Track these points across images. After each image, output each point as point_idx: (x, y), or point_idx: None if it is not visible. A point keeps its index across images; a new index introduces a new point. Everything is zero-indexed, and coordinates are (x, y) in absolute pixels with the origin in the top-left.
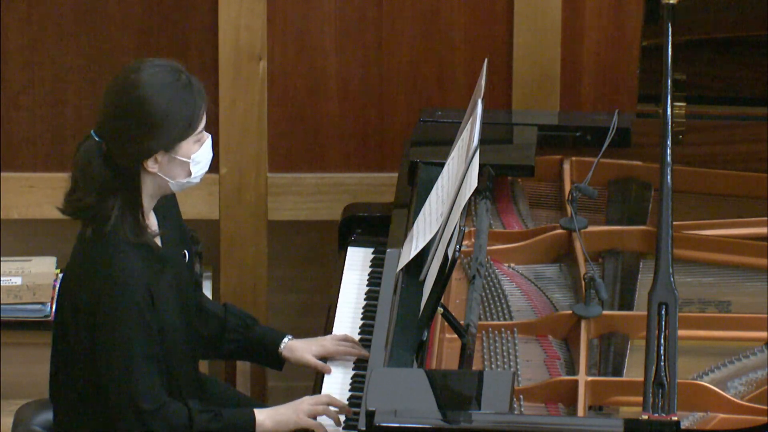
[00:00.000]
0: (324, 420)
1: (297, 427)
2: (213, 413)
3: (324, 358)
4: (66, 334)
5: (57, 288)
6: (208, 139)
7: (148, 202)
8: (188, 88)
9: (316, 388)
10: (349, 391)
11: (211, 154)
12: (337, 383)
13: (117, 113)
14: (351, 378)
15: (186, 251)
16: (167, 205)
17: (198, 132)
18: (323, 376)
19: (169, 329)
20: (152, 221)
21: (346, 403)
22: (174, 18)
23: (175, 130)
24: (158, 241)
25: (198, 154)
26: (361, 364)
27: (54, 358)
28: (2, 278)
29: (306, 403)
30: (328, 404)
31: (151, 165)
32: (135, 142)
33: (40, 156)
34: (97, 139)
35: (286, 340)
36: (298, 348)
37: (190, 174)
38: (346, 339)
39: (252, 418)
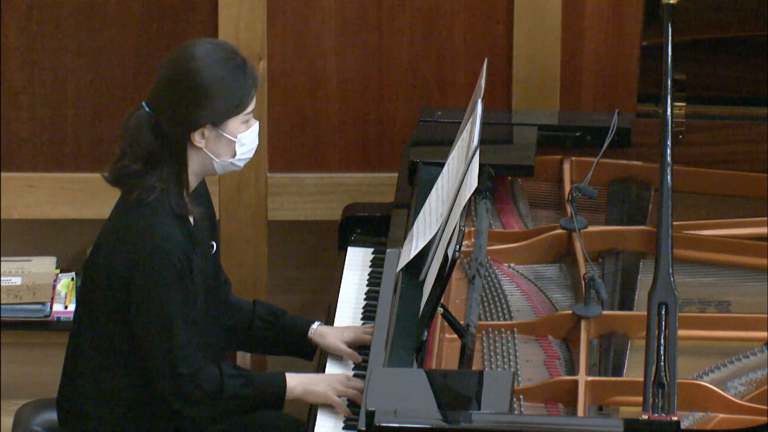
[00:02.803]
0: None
1: (325, 401)
2: (245, 378)
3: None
4: (94, 300)
5: (88, 253)
6: (255, 124)
7: (192, 180)
8: (241, 68)
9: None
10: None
11: (257, 141)
12: None
13: (169, 83)
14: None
15: (214, 243)
16: (201, 194)
17: (246, 113)
18: (325, 370)
19: (198, 310)
20: (190, 203)
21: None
22: (174, 18)
23: (223, 105)
24: (191, 221)
25: (244, 135)
26: (361, 364)
27: (77, 330)
28: (2, 278)
29: (340, 381)
30: (363, 388)
31: (198, 139)
32: (184, 112)
33: (40, 156)
34: (147, 110)
35: (315, 325)
36: (329, 334)
37: (234, 154)
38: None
39: (283, 384)
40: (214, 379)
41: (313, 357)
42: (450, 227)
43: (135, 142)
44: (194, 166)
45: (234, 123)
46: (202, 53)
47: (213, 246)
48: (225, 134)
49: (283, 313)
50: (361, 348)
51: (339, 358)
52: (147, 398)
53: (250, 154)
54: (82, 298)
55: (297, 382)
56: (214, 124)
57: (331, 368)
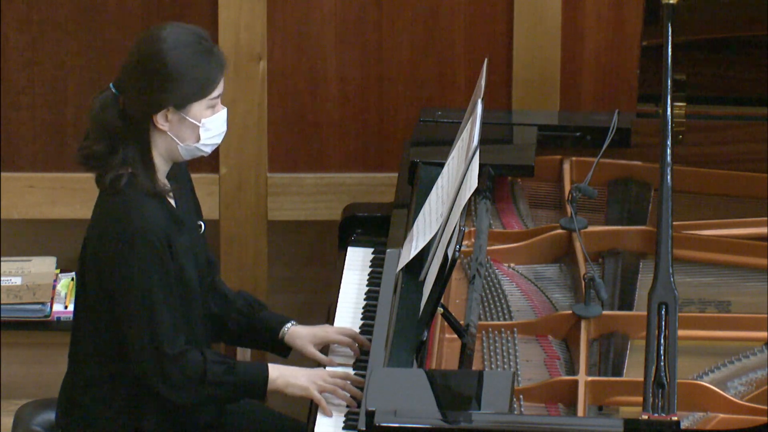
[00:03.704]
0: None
1: (305, 395)
2: (227, 366)
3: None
4: (88, 295)
5: (79, 253)
6: (222, 110)
7: (160, 163)
8: (208, 53)
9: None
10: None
11: (224, 127)
12: None
13: (134, 64)
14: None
15: (201, 223)
16: (181, 176)
17: (212, 98)
18: (325, 366)
19: (188, 287)
20: (165, 184)
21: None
22: (174, 18)
23: (187, 88)
24: (173, 203)
25: (209, 120)
26: (361, 364)
27: (75, 324)
28: (2, 278)
29: (321, 377)
30: (344, 384)
31: (161, 121)
32: (147, 93)
33: (40, 156)
34: (114, 91)
35: (288, 325)
36: (300, 335)
37: (198, 139)
38: (349, 334)
39: (265, 374)
40: (197, 364)
41: (288, 355)
42: (450, 227)
43: (99, 122)
44: (160, 149)
45: (198, 107)
46: (169, 36)
47: (201, 226)
48: (188, 118)
49: (261, 308)
50: (360, 349)
51: (340, 354)
52: (143, 394)
53: (218, 140)
54: (79, 295)
55: (279, 373)
56: (177, 107)
57: (331, 367)
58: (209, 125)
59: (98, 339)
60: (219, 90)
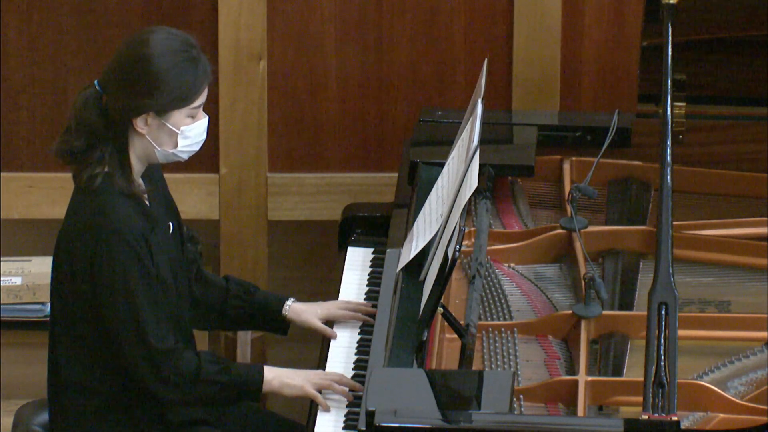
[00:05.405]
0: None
1: (301, 393)
2: (222, 365)
3: (329, 324)
4: (64, 295)
5: (53, 251)
6: (203, 119)
7: (136, 164)
8: (194, 62)
9: (321, 368)
10: (350, 391)
11: (203, 136)
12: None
13: (120, 66)
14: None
15: (171, 224)
16: (154, 176)
17: (193, 107)
18: (326, 361)
19: (165, 286)
20: (140, 184)
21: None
22: (174, 18)
23: (170, 96)
24: (147, 203)
25: (188, 129)
26: (361, 364)
27: (53, 326)
28: (2, 278)
29: (317, 375)
30: (338, 382)
31: (140, 125)
32: (129, 96)
33: (40, 156)
34: (98, 89)
35: (289, 302)
36: (303, 311)
37: (176, 146)
38: (348, 304)
39: (260, 375)
40: (191, 362)
41: (287, 332)
42: (450, 227)
43: (80, 118)
44: (137, 151)
45: (179, 115)
46: (158, 41)
47: (170, 227)
48: (168, 125)
49: (255, 290)
50: (361, 341)
51: (340, 352)
52: (125, 391)
53: (195, 148)
54: (54, 293)
55: (274, 374)
56: (157, 113)
57: (333, 363)
58: (188, 133)
59: (76, 341)
60: (201, 99)
